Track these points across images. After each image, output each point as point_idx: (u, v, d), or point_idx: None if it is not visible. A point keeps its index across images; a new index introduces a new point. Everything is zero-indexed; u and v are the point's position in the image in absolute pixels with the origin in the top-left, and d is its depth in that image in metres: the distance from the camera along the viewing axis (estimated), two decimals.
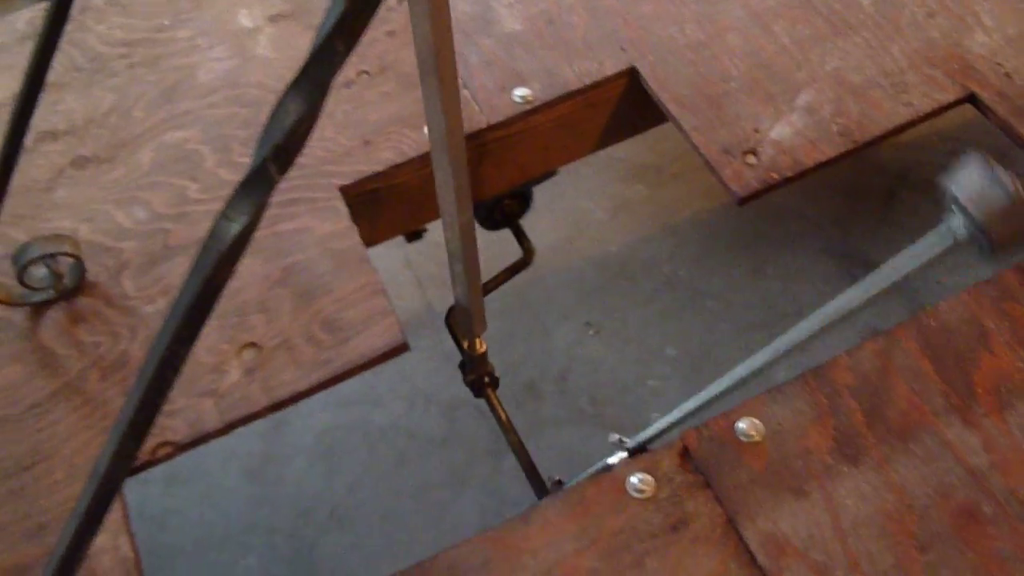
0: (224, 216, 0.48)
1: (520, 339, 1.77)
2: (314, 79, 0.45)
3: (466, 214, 0.91)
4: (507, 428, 1.15)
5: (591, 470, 0.95)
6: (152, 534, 1.59)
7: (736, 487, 0.84)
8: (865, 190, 1.90)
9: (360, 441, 1.68)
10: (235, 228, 0.48)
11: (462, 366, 1.16)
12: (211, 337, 0.96)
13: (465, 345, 1.12)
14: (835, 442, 0.86)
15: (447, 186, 0.88)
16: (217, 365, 0.95)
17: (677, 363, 1.71)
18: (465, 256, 0.96)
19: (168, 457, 0.91)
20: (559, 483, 1.06)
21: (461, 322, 1.10)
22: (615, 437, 0.98)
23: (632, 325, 1.77)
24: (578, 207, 1.92)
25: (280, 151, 0.46)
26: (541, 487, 1.10)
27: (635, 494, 0.85)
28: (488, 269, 1.81)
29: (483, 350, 1.12)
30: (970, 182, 0.74)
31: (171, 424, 0.91)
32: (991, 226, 0.73)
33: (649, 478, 0.85)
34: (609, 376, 1.71)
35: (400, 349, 0.95)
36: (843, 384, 0.89)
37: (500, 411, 1.15)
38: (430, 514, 1.60)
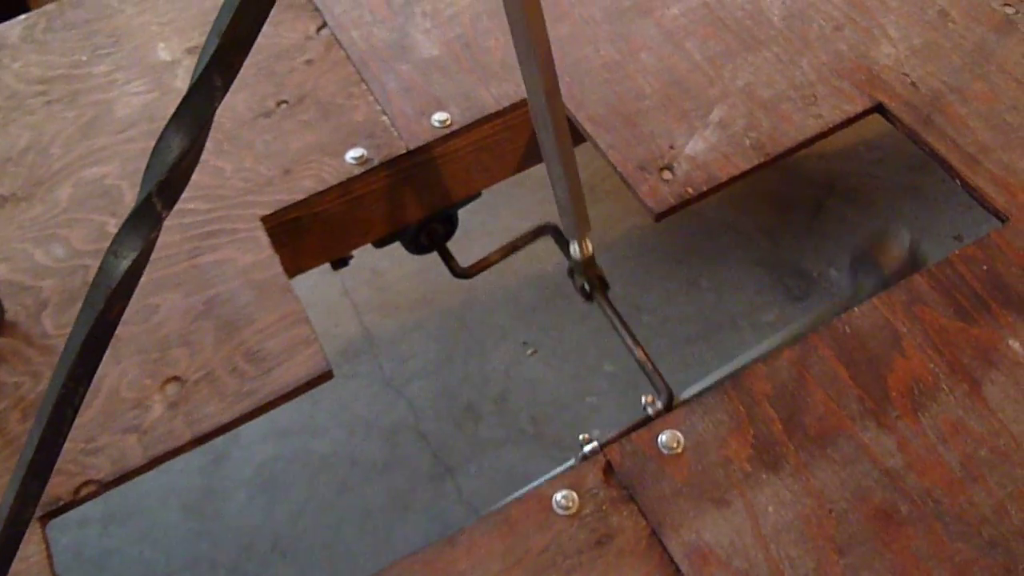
0: (111, 252, 0.48)
1: (458, 361, 1.77)
2: (194, 113, 0.45)
3: (559, 116, 0.90)
4: (624, 329, 1.12)
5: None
6: (91, 575, 1.57)
7: (659, 499, 0.85)
8: (794, 201, 1.94)
9: (301, 471, 1.68)
10: (124, 264, 0.48)
11: (570, 272, 1.13)
12: (132, 372, 0.95)
13: (572, 249, 1.09)
14: (755, 450, 0.87)
15: (535, 87, 0.87)
16: (139, 400, 0.94)
17: (615, 379, 1.72)
18: (563, 159, 0.95)
19: (92, 496, 0.90)
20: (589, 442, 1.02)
21: (566, 226, 1.07)
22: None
23: (569, 343, 1.79)
24: (512, 227, 1.92)
25: (164, 186, 0.46)
26: (667, 389, 1.07)
27: (560, 511, 0.85)
28: (421, 293, 1.81)
29: (590, 252, 1.09)
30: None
31: (93, 462, 0.91)
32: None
33: (573, 494, 0.86)
34: (548, 395, 1.72)
35: (324, 377, 0.95)
36: (761, 393, 0.90)
37: (612, 314, 1.12)
38: (374, 541, 1.59)
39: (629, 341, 1.12)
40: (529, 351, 1.77)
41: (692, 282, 1.86)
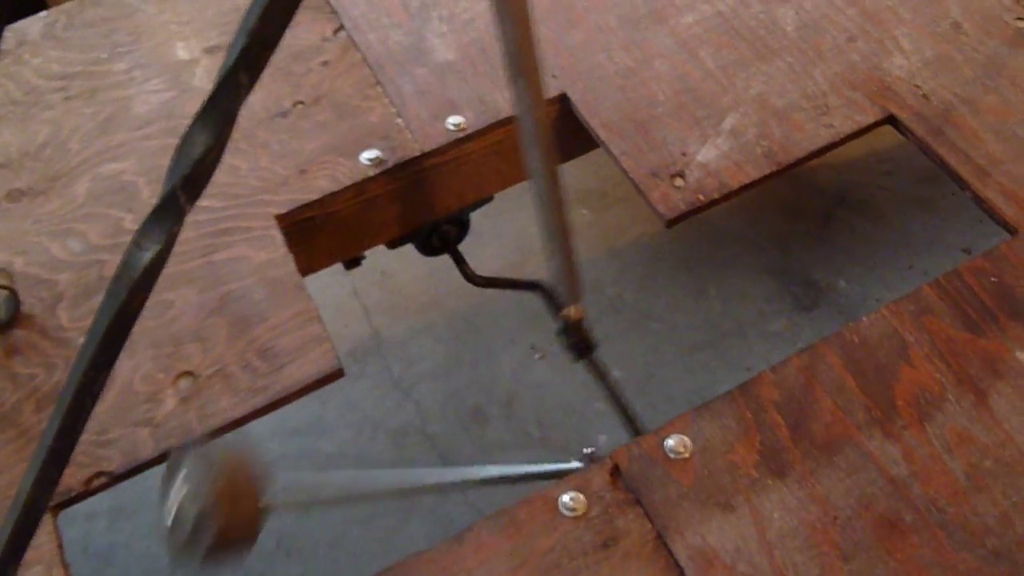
0: (135, 244, 0.49)
1: (467, 364, 1.78)
2: (220, 110, 0.46)
3: (557, 188, 0.96)
4: (612, 390, 1.20)
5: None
6: (98, 569, 1.58)
7: (665, 503, 0.86)
8: (804, 211, 1.94)
9: (308, 469, 1.68)
10: (146, 256, 0.49)
11: (561, 332, 1.15)
12: (146, 367, 0.96)
13: (564, 312, 1.12)
14: (761, 456, 0.88)
15: (536, 162, 0.92)
16: (152, 394, 0.95)
17: (623, 385, 1.73)
18: (559, 230, 0.99)
19: (103, 487, 0.91)
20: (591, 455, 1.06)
21: (559, 292, 1.11)
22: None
23: None
24: (524, 232, 1.94)
25: (188, 181, 0.47)
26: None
27: (567, 512, 0.86)
28: (431, 295, 1.82)
29: (581, 315, 1.12)
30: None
31: (106, 454, 0.92)
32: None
33: (580, 496, 0.86)
34: (555, 400, 1.72)
35: (335, 375, 0.96)
36: (769, 400, 0.91)
37: (603, 372, 1.18)
38: (378, 541, 1.60)
39: (620, 401, 1.20)
40: (537, 356, 1.78)
41: (700, 290, 1.86)
